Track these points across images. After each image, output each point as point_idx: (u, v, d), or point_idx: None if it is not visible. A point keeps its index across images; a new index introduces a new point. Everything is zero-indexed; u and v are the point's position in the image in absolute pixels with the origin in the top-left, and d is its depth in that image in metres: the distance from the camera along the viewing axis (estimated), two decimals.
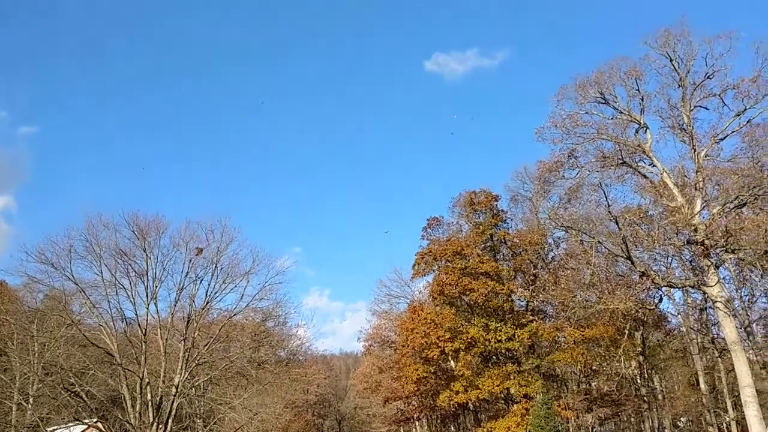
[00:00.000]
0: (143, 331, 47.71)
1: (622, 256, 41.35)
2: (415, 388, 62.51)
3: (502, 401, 60.85)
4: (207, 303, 50.68)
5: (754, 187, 39.03)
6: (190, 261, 50.22)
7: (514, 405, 57.49)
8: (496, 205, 63.11)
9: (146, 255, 49.37)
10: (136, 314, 49.34)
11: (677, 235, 43.32)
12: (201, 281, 50.59)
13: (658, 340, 67.52)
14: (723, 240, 39.25)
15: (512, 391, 58.27)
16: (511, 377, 57.01)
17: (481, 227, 61.57)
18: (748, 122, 41.95)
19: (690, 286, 45.89)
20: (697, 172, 41.81)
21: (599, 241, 43.01)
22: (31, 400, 49.79)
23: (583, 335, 54.16)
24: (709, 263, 40.20)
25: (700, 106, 43.38)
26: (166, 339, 48.32)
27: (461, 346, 55.36)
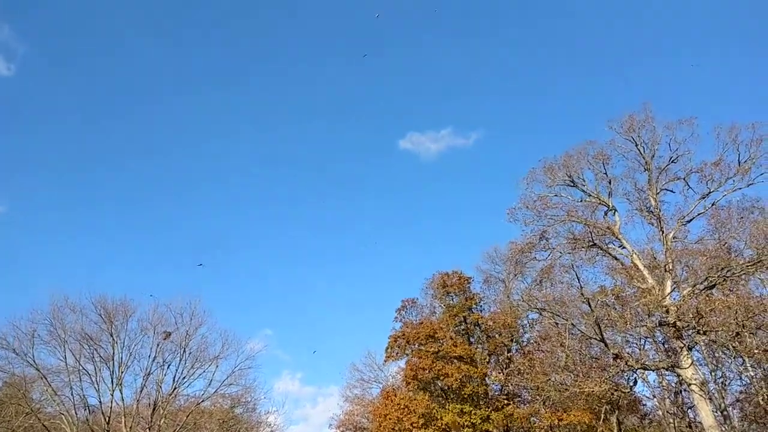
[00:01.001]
0: (107, 419, 45.96)
1: (595, 338, 41.12)
2: None
3: None
4: (174, 389, 49.23)
5: (723, 268, 39.54)
6: (158, 345, 49.14)
7: None
8: (469, 287, 63.05)
9: (113, 339, 48.20)
10: (100, 401, 47.75)
11: (649, 316, 43.42)
12: (168, 366, 49.40)
13: (634, 425, 66.43)
14: (694, 321, 39.28)
15: None
16: None
17: (454, 310, 61.22)
18: (713, 205, 43.06)
19: (664, 368, 45.57)
20: (666, 253, 42.35)
21: (573, 323, 42.83)
22: None
23: (559, 419, 53.15)
24: (682, 345, 40.09)
25: (666, 189, 44.56)
26: (131, 427, 46.53)
27: None
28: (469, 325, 61.23)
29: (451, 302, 62.34)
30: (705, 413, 39.84)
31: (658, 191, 44.26)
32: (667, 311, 40.11)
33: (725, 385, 53.61)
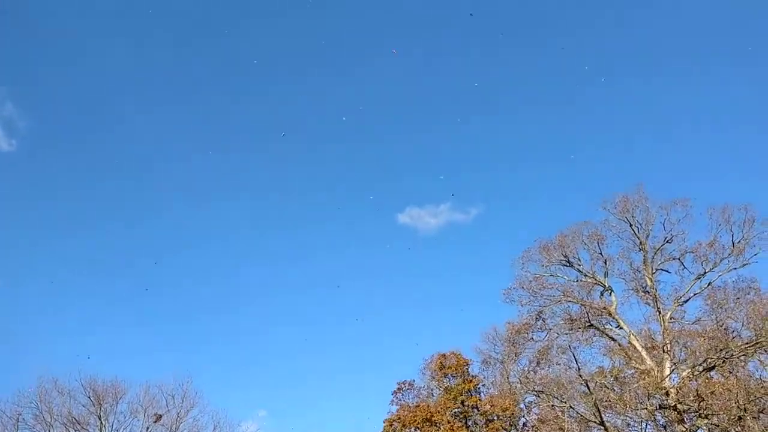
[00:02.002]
0: None
1: (594, 421, 40.26)
2: None
3: None
4: None
5: (721, 349, 39.12)
6: (148, 428, 47.91)
7: None
8: (468, 369, 61.99)
9: (101, 423, 47.11)
10: None
11: (649, 398, 42.53)
12: None
13: None
14: (695, 405, 38.58)
15: None
16: None
17: (452, 393, 59.97)
18: (708, 285, 43.10)
19: None
20: (663, 334, 42.04)
21: (571, 406, 42.02)
22: None
23: None
24: (684, 429, 39.20)
25: (661, 269, 44.68)
26: None
27: None
28: (467, 409, 59.84)
29: (449, 384, 61.14)
30: None
31: (654, 271, 44.31)
32: (667, 393, 39.45)
33: None
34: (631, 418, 45.20)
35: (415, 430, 57.10)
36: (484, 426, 59.03)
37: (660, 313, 42.86)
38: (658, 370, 40.48)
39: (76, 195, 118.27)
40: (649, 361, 41.38)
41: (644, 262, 44.68)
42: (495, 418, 58.21)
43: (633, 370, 43.27)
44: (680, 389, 39.22)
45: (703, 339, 40.54)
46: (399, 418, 58.39)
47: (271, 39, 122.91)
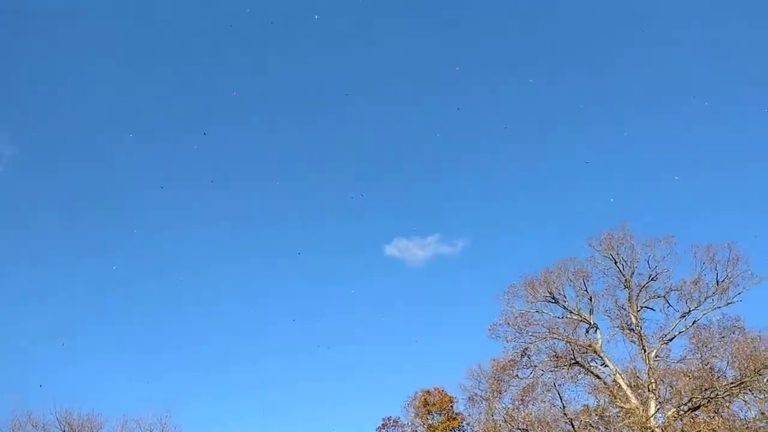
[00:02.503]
0: None
1: None
2: None
3: None
4: None
5: (706, 389, 38.89)
6: None
7: None
8: (452, 407, 61.35)
9: None
10: None
11: None
12: None
13: None
14: None
15: None
16: None
17: (436, 430, 59.30)
18: (693, 323, 43.06)
19: None
20: (648, 373, 41.81)
21: None
22: None
23: None
24: None
25: (646, 306, 44.63)
26: None
27: None
28: None
29: (433, 422, 60.46)
30: None
31: (639, 309, 44.27)
32: None
33: None
34: None
35: None
36: None
37: (645, 351, 42.71)
38: (643, 410, 40.14)
39: (54, 223, 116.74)
40: (634, 400, 41.06)
41: (629, 300, 44.66)
42: None
43: (618, 409, 42.87)
44: (665, 429, 38.86)
45: (688, 378, 40.27)
46: None
47: (255, 76, 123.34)
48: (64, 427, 46.33)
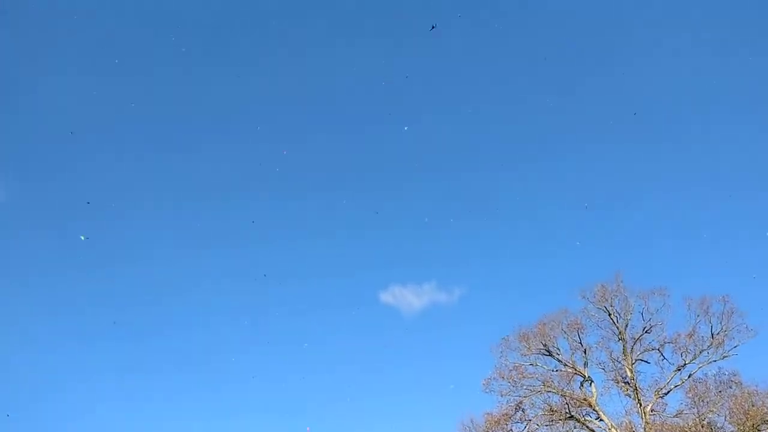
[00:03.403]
0: None
1: None
2: None
3: None
4: None
5: None
6: None
7: None
8: None
9: None
10: None
11: None
12: None
13: None
14: None
15: None
16: None
17: None
18: (689, 377, 42.65)
19: None
20: (644, 428, 41.15)
21: None
22: None
23: None
24: None
25: (641, 359, 44.27)
26: None
27: None
28: None
29: None
30: None
31: (634, 361, 43.86)
32: None
33: None
34: None
35: None
36: None
37: (641, 405, 42.15)
38: None
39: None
40: None
41: (624, 352, 44.27)
42: None
43: None
44: None
45: None
46: None
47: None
48: None
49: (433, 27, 41.94)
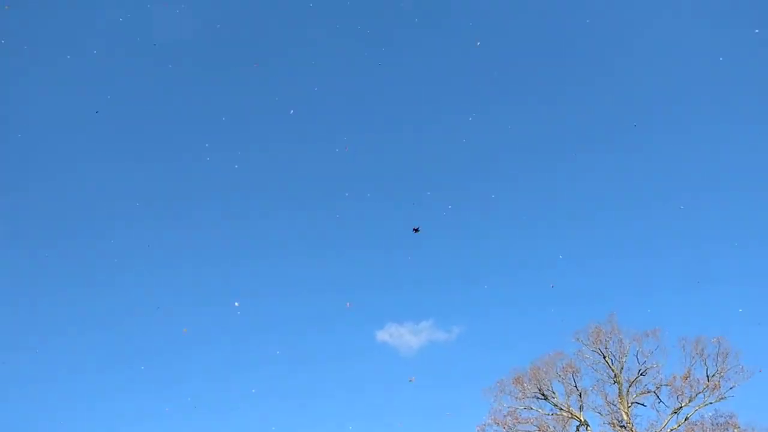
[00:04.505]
0: None
1: None
2: None
3: None
4: None
5: None
6: None
7: None
8: None
9: None
10: None
11: None
12: None
13: None
14: None
15: None
16: None
17: None
18: (685, 420, 42.17)
19: None
20: None
21: None
22: None
23: None
24: None
25: (637, 402, 43.80)
26: None
27: None
28: None
29: None
30: None
31: (630, 404, 43.46)
32: None
33: None
34: None
35: None
36: None
37: None
38: None
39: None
40: None
41: (619, 395, 43.88)
42: None
43: None
44: None
45: None
46: None
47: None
48: None
49: (416, 230, 41.95)
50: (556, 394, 45.25)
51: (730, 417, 42.30)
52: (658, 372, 43.84)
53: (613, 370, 44.55)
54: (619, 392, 43.99)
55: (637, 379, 44.02)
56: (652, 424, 43.05)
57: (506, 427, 44.20)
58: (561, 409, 44.67)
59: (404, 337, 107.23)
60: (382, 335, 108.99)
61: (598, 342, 45.37)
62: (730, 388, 42.06)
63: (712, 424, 42.24)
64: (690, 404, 42.33)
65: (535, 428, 44.08)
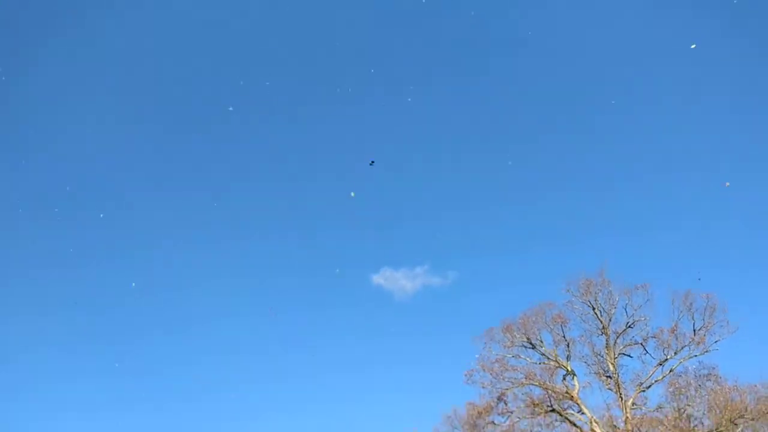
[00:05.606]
0: None
1: None
2: None
3: None
4: None
5: None
6: None
7: None
8: None
9: None
10: None
11: None
12: None
13: None
14: None
15: None
16: None
17: None
18: (670, 371, 43.02)
19: None
20: (625, 421, 41.49)
21: None
22: None
23: None
24: None
25: (623, 353, 44.49)
26: None
27: None
28: None
29: None
30: None
31: (616, 356, 44.15)
32: None
33: None
34: None
35: None
36: None
37: (622, 399, 42.46)
38: None
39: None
40: None
41: (606, 346, 44.53)
42: None
43: None
44: None
45: (664, 427, 40.03)
46: None
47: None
48: None
49: (371, 162, 43.37)
50: (545, 343, 45.93)
51: (713, 369, 43.23)
52: (646, 324, 44.46)
53: (601, 322, 45.09)
54: (607, 343, 44.62)
55: (625, 331, 44.63)
56: (638, 374, 43.93)
57: (494, 373, 44.97)
58: (548, 358, 45.37)
59: (399, 281, 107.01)
60: (377, 279, 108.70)
61: (588, 294, 45.82)
62: (715, 342, 42.76)
63: (696, 376, 43.14)
64: (675, 356, 43.04)
65: (522, 376, 44.79)
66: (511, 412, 44.54)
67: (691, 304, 43.90)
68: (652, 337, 44.15)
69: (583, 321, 45.67)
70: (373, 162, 43.53)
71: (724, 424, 38.02)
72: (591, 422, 42.50)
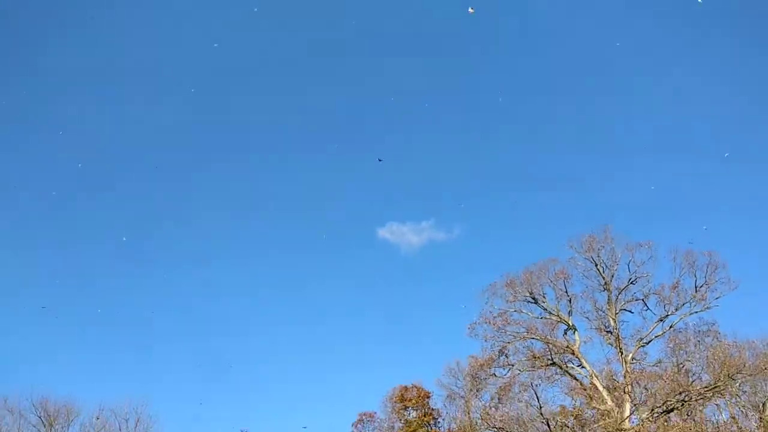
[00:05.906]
0: None
1: None
2: None
3: None
4: None
5: (680, 392, 39.41)
6: None
7: None
8: (428, 402, 61.63)
9: None
10: None
11: None
12: None
13: None
14: None
15: None
16: None
17: (412, 425, 59.58)
18: (670, 327, 43.55)
19: None
20: (625, 375, 42.21)
21: None
22: None
23: None
24: None
25: (625, 309, 44.99)
26: None
27: None
28: None
29: (409, 417, 60.73)
30: None
31: (617, 311, 44.62)
32: None
33: None
34: None
35: None
36: None
37: (622, 353, 43.10)
38: (618, 411, 40.51)
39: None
40: (609, 402, 41.43)
41: (608, 302, 44.99)
42: None
43: (594, 411, 43.34)
44: (639, 431, 39.27)
45: (663, 381, 40.78)
46: None
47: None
48: (40, 413, 46.06)
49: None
50: (547, 298, 46.37)
51: (712, 324, 43.93)
52: (648, 281, 44.85)
53: (603, 278, 45.43)
54: (608, 299, 45.06)
55: (627, 287, 45.00)
56: (638, 330, 44.52)
57: (496, 327, 45.44)
58: (550, 312, 45.85)
59: (405, 235, 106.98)
60: (383, 233, 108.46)
61: (591, 250, 46.05)
62: (716, 298, 43.21)
63: (695, 332, 43.82)
64: (676, 313, 43.52)
65: (524, 330, 45.31)
66: (512, 365, 45.21)
67: (693, 261, 44.28)
68: (653, 293, 44.60)
69: (586, 277, 46.10)
70: (380, 160, 43.41)
71: (722, 379, 38.67)
72: (591, 376, 43.24)
